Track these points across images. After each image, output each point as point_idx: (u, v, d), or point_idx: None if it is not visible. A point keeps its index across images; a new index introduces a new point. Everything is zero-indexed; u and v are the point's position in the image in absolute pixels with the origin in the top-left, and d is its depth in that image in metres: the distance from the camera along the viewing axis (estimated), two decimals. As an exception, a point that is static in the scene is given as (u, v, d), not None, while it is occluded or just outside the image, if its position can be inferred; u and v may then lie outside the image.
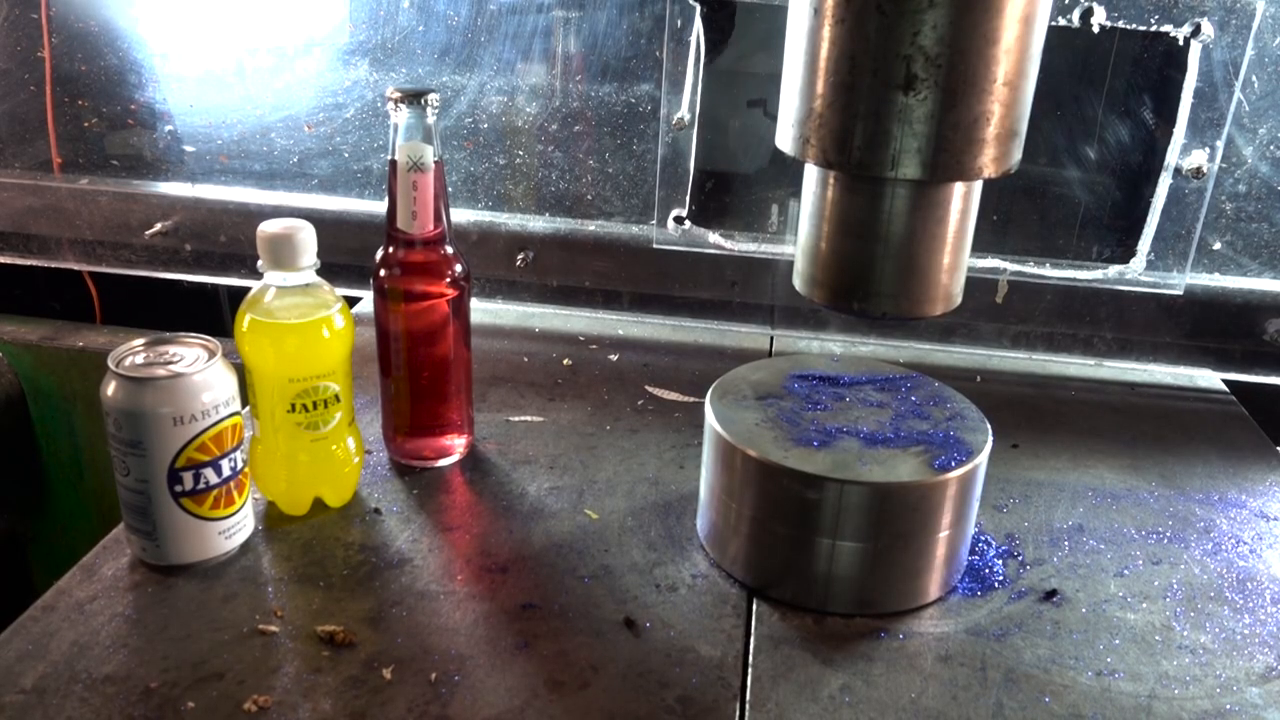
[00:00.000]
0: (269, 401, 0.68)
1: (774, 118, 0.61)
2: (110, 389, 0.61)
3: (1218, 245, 0.98)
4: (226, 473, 0.64)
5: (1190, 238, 0.96)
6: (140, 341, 0.64)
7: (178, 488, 0.62)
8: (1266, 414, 0.96)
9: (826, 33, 0.55)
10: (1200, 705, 0.58)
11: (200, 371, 0.61)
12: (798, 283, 0.65)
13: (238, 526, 0.66)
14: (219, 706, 0.54)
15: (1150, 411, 0.96)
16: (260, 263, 0.66)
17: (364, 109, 1.06)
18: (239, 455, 0.65)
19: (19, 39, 1.08)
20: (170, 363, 0.62)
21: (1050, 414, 0.94)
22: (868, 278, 0.61)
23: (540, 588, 0.65)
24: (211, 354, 0.63)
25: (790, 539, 0.64)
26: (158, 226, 1.12)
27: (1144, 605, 0.67)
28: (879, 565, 0.63)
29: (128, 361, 0.62)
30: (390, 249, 0.73)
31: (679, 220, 1.04)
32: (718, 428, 0.66)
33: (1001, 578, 0.69)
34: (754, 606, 0.65)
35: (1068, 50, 0.94)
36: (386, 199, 0.71)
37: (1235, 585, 0.69)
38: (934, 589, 0.66)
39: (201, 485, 0.63)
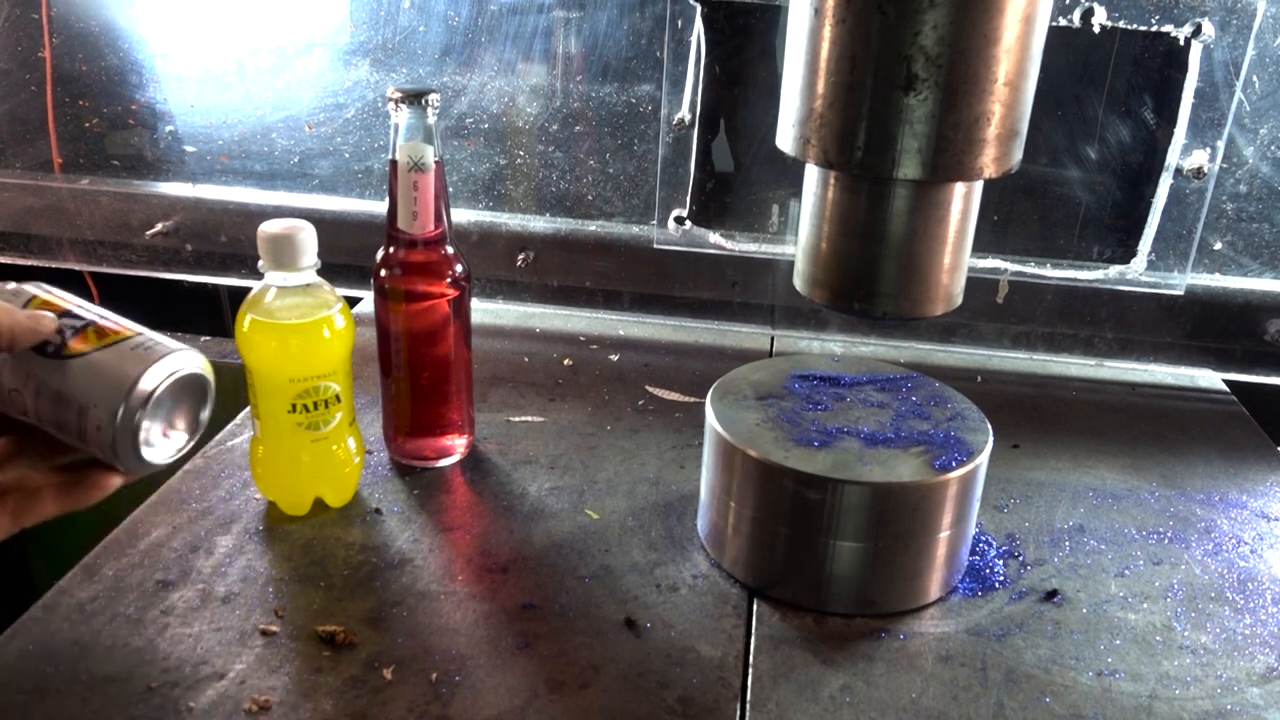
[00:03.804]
0: (270, 402, 0.68)
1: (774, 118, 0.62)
2: None
3: (1218, 245, 0.98)
4: (89, 316, 0.53)
5: (1191, 238, 0.96)
6: None
7: (49, 348, 0.52)
8: (1267, 414, 0.96)
9: (827, 33, 0.55)
10: (1201, 705, 0.58)
11: None
12: (798, 283, 0.65)
13: (149, 343, 0.53)
14: (219, 706, 0.54)
15: (1151, 411, 0.96)
16: (261, 263, 0.66)
17: (365, 109, 1.06)
18: (95, 311, 0.54)
19: (19, 39, 1.08)
20: None
21: (1051, 414, 0.94)
22: (868, 278, 0.61)
23: (541, 588, 0.65)
24: None
25: (791, 539, 0.64)
26: (158, 226, 1.12)
27: (1145, 605, 0.67)
28: (879, 565, 0.63)
29: None
30: (391, 249, 0.73)
31: (680, 220, 1.04)
32: (718, 428, 0.66)
33: (1002, 578, 0.69)
34: (754, 606, 0.65)
35: (1068, 50, 0.94)
36: (387, 199, 0.71)
37: (1236, 585, 0.69)
38: (935, 589, 0.66)
39: (69, 332, 0.52)
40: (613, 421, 0.87)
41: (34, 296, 0.54)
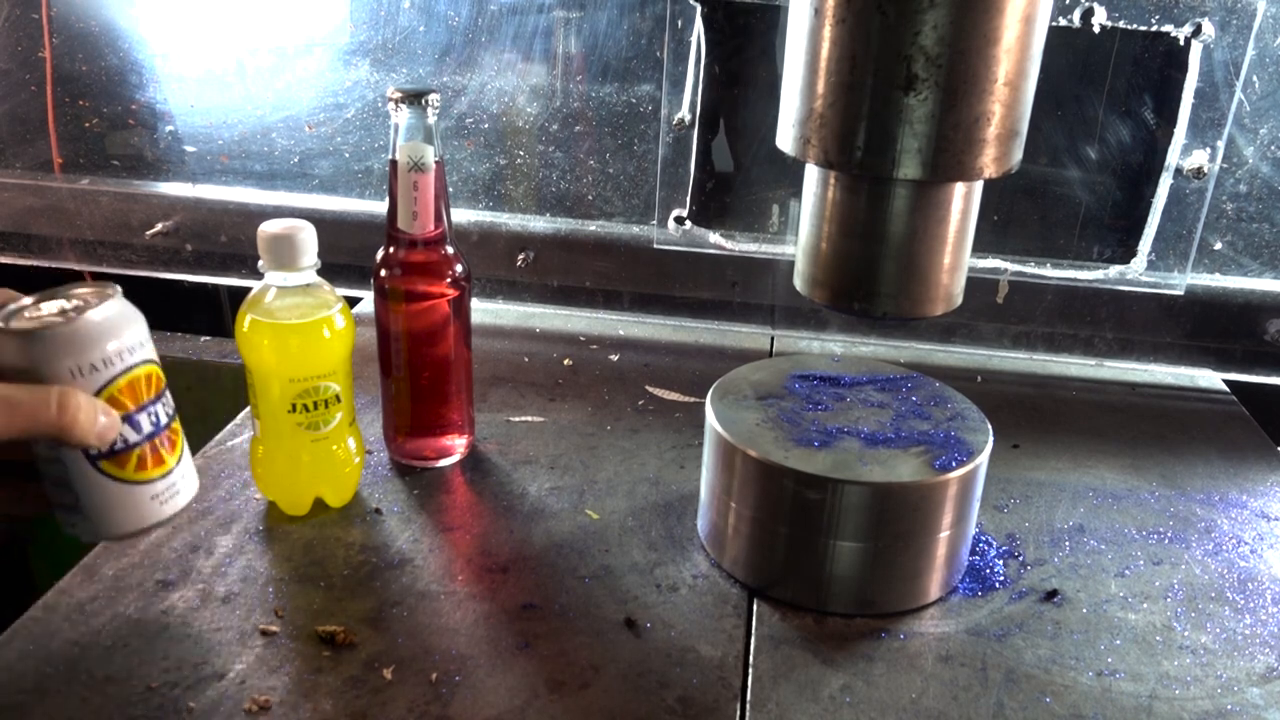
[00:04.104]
0: (270, 402, 0.68)
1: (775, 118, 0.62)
2: (2, 350, 0.50)
3: (1218, 245, 0.98)
4: (148, 429, 0.54)
5: (1191, 238, 0.96)
6: (30, 299, 0.53)
7: (93, 450, 0.52)
8: (1267, 414, 0.96)
9: (827, 33, 0.55)
10: (1201, 705, 0.58)
11: (96, 315, 0.51)
12: (798, 283, 0.65)
13: (173, 490, 0.55)
14: (219, 706, 0.54)
15: (1151, 411, 0.96)
16: (261, 263, 0.66)
17: (365, 109, 1.06)
18: (161, 409, 0.55)
19: (20, 39, 1.08)
20: (63, 312, 0.53)
21: (1051, 414, 0.94)
22: (868, 278, 0.61)
23: (541, 588, 0.65)
24: (108, 296, 0.54)
25: (791, 539, 0.64)
26: (158, 226, 1.12)
27: (1145, 605, 0.67)
28: (879, 565, 0.63)
29: (16, 317, 0.52)
30: (391, 249, 0.73)
31: (680, 220, 1.04)
32: (718, 428, 0.66)
33: (1002, 578, 0.69)
34: (754, 606, 0.65)
35: (1068, 50, 0.94)
36: (387, 199, 0.71)
37: (1236, 585, 0.69)
38: (935, 589, 0.66)
39: (120, 445, 0.53)
40: (613, 421, 0.87)
41: (132, 369, 0.52)
